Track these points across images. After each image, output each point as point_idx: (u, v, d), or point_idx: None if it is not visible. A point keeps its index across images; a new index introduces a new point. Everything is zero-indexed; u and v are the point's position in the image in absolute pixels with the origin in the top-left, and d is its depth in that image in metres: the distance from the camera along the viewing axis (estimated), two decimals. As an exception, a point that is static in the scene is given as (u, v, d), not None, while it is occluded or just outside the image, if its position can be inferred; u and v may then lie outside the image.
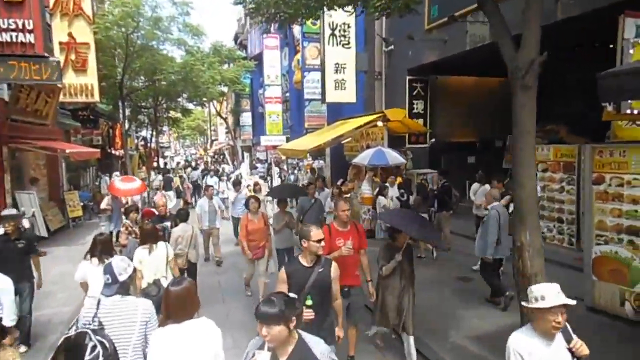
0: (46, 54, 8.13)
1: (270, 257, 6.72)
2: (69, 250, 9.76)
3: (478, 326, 5.37)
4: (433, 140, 12.80)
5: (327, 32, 13.04)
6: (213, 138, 47.02)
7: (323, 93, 13.72)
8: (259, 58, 23.51)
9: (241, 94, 29.28)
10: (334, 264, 3.43)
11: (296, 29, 18.83)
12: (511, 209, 7.71)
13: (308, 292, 3.24)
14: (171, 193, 14.27)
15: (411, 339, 4.53)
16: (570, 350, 2.39)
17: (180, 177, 18.84)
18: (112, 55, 14.64)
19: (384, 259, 4.42)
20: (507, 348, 2.47)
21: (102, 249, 4.42)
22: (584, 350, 2.39)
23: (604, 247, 5.49)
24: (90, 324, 2.66)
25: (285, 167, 20.75)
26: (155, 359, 2.53)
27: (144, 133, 28.38)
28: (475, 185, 8.94)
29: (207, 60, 16.87)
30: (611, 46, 6.00)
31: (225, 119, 32.92)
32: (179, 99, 20.94)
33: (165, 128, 35.04)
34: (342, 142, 12.96)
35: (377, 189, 9.32)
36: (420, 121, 12.39)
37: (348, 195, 10.40)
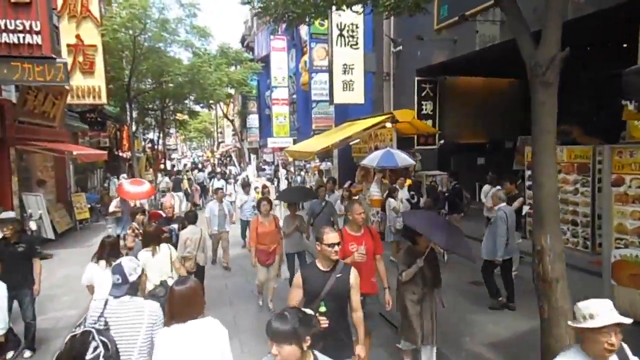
0: (54, 56, 8.10)
1: (282, 262, 6.52)
2: (76, 252, 9.73)
3: (493, 332, 5.23)
4: (442, 141, 12.64)
5: (335, 32, 12.93)
6: (220, 140, 47.19)
7: (331, 94, 13.60)
8: (266, 60, 23.52)
9: (248, 96, 29.37)
10: (353, 271, 3.16)
11: (303, 31, 18.81)
12: (524, 211, 7.65)
13: (323, 298, 3.02)
14: (181, 194, 14.23)
15: (434, 350, 4.25)
16: None
17: (189, 179, 18.83)
18: (120, 58, 14.68)
19: (405, 264, 4.14)
20: None
21: (110, 251, 4.39)
22: None
23: (623, 250, 5.30)
24: (96, 324, 2.63)
25: (292, 169, 20.68)
26: (160, 359, 2.47)
27: (151, 135, 28.47)
28: (486, 187, 8.79)
29: (214, 62, 16.87)
30: (625, 45, 5.84)
31: (232, 121, 32.98)
32: (186, 101, 20.93)
33: (172, 130, 35.17)
34: (350, 143, 12.82)
35: (387, 191, 9.18)
36: (429, 122, 12.25)
37: (357, 197, 10.27)
